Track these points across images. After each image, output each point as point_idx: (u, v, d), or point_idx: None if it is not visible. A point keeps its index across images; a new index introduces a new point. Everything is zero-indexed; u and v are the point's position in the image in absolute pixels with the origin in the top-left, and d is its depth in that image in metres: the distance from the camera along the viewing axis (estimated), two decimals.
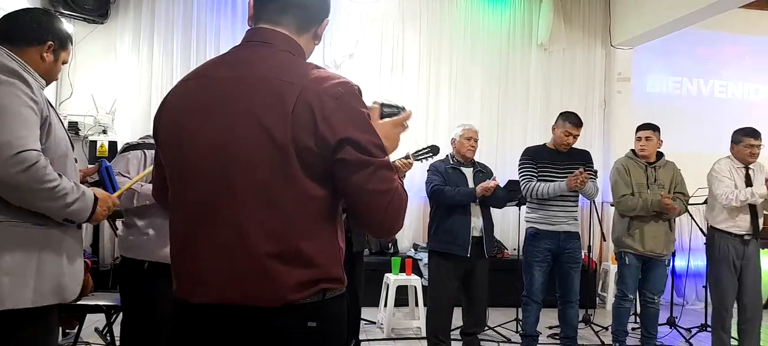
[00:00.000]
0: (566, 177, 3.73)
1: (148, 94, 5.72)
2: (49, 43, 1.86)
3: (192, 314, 1.22)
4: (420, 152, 3.55)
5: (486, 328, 4.47)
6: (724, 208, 3.90)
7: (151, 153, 2.39)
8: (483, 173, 3.95)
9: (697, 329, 4.98)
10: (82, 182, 1.93)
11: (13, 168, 1.58)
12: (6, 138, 1.59)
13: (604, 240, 5.46)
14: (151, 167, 2.31)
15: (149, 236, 2.33)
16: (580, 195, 3.93)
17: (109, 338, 3.19)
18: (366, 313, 4.68)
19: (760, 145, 3.94)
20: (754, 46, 6.91)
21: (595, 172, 4.08)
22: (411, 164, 3.44)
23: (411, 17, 6.24)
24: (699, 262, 5.64)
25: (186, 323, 1.24)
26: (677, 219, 4.13)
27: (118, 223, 2.64)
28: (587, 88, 6.54)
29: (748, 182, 3.91)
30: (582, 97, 6.48)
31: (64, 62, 1.96)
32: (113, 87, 5.66)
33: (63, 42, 1.91)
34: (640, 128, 4.08)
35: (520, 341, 4.13)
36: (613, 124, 6.49)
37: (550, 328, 4.82)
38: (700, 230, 4.28)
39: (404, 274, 4.81)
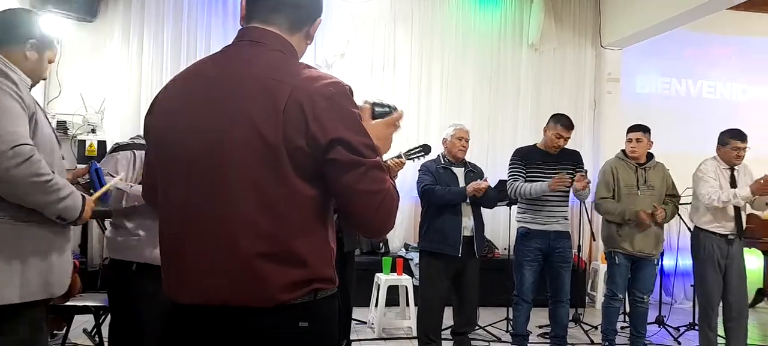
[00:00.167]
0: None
1: (137, 93, 5.67)
2: (31, 40, 1.85)
3: (182, 314, 1.21)
4: (412, 151, 3.55)
5: (477, 327, 4.48)
6: (707, 208, 3.94)
7: (140, 153, 2.37)
8: (474, 172, 3.96)
9: (686, 328, 5.03)
10: (73, 183, 1.93)
11: (8, 162, 1.58)
12: None
13: (594, 240, 5.49)
14: (124, 174, 2.30)
15: (139, 238, 2.32)
16: (571, 194, 3.95)
17: (97, 339, 3.16)
18: (357, 313, 4.68)
19: (746, 148, 3.97)
20: (742, 46, 6.97)
21: (586, 172, 4.10)
22: (403, 164, 3.43)
23: (402, 17, 6.23)
24: (687, 261, 5.66)
25: (176, 323, 1.23)
26: None
27: (107, 223, 2.62)
28: (577, 89, 6.57)
29: (733, 183, 3.95)
30: (572, 97, 6.51)
31: (51, 61, 1.95)
32: (102, 86, 5.60)
33: (44, 40, 1.90)
34: (631, 129, 4.11)
35: (511, 340, 4.15)
36: (603, 124, 6.52)
37: (541, 327, 4.84)
38: (689, 229, 4.31)
39: (395, 274, 4.80)
